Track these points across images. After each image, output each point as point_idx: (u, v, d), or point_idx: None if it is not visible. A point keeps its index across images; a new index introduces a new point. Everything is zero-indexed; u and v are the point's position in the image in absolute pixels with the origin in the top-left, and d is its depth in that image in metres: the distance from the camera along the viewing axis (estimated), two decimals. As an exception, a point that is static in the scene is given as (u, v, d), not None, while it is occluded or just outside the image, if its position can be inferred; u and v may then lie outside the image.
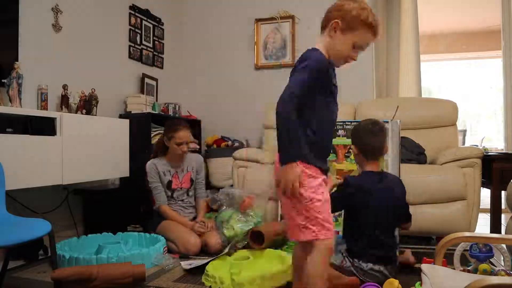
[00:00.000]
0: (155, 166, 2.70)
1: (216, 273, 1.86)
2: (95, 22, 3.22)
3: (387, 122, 2.55)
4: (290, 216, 1.36)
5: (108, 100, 3.29)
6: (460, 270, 1.73)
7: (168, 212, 2.67)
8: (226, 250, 2.29)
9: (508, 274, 1.64)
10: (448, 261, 1.89)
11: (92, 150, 2.66)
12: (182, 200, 2.77)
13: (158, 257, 2.28)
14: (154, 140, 3.37)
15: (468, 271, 1.73)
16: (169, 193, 2.73)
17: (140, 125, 3.28)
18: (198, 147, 3.95)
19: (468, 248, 1.82)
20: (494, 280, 0.98)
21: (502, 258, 1.95)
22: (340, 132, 2.63)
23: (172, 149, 2.71)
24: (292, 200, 1.31)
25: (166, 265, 2.25)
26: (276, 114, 1.27)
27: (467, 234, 1.50)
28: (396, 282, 1.74)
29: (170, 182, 2.72)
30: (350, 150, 2.58)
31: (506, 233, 2.28)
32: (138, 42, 3.75)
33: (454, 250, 1.90)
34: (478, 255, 1.75)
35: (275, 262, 2.03)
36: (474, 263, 1.78)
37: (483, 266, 1.71)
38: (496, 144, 4.16)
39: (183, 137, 2.66)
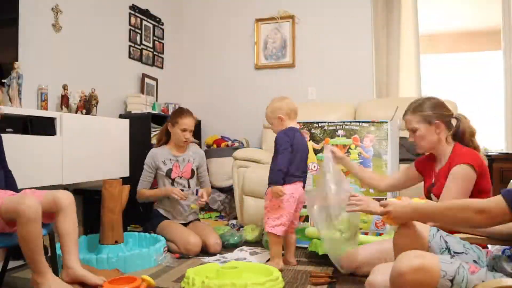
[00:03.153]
0: (153, 159, 2.72)
1: (194, 275, 1.85)
2: (95, 22, 3.22)
3: (387, 122, 2.55)
4: None
5: (108, 100, 3.29)
6: None
7: (144, 193, 2.71)
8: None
9: None
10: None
11: (92, 150, 2.66)
12: (182, 191, 2.76)
13: (158, 257, 2.28)
14: (154, 140, 3.37)
15: None
16: (169, 182, 2.72)
17: (140, 125, 3.28)
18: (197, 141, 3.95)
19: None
20: (508, 282, 0.98)
21: None
22: (340, 132, 2.63)
23: (175, 135, 2.72)
24: None
25: (166, 265, 2.25)
26: None
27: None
28: None
29: (170, 170, 2.72)
30: (350, 150, 2.58)
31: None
32: (138, 42, 3.75)
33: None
34: None
35: (259, 275, 1.95)
36: None
37: None
38: (496, 144, 4.15)
39: (187, 124, 2.68)
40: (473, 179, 1.70)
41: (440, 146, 1.85)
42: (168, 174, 2.72)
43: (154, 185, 2.84)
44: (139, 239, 2.60)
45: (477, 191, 1.71)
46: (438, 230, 1.39)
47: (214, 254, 2.50)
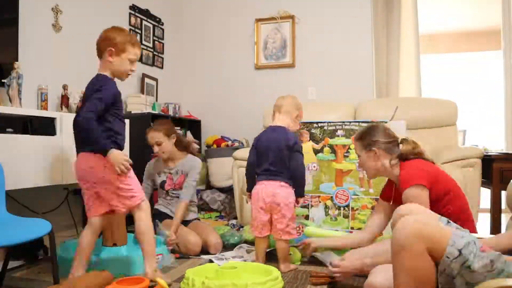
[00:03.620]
0: (148, 171, 2.81)
1: (194, 276, 1.85)
2: (95, 22, 3.22)
3: (386, 122, 2.55)
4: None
5: (108, 100, 3.29)
6: None
7: None
8: None
9: None
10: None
11: (92, 150, 2.65)
12: (178, 197, 2.75)
13: (159, 257, 2.27)
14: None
15: None
16: (164, 192, 2.79)
17: (140, 125, 3.27)
18: (198, 147, 3.95)
19: None
20: (508, 282, 0.98)
21: None
22: (339, 132, 2.63)
23: None
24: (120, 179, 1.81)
25: (166, 265, 2.25)
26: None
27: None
28: None
29: (163, 182, 2.77)
30: (349, 150, 2.58)
31: (505, 233, 2.28)
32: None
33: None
34: None
35: (258, 275, 1.96)
36: None
37: None
38: (496, 144, 4.15)
39: (149, 139, 2.67)
40: (426, 195, 1.76)
41: (385, 171, 1.94)
42: (162, 186, 2.77)
43: (154, 195, 2.91)
44: (139, 239, 2.59)
45: (435, 199, 1.77)
46: (448, 222, 1.37)
47: (215, 254, 2.50)
